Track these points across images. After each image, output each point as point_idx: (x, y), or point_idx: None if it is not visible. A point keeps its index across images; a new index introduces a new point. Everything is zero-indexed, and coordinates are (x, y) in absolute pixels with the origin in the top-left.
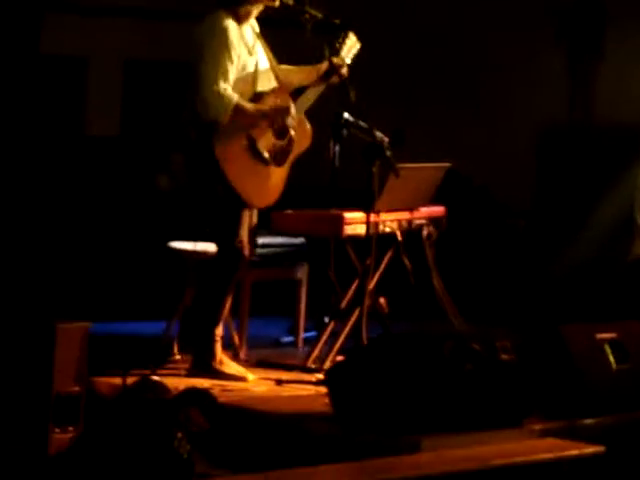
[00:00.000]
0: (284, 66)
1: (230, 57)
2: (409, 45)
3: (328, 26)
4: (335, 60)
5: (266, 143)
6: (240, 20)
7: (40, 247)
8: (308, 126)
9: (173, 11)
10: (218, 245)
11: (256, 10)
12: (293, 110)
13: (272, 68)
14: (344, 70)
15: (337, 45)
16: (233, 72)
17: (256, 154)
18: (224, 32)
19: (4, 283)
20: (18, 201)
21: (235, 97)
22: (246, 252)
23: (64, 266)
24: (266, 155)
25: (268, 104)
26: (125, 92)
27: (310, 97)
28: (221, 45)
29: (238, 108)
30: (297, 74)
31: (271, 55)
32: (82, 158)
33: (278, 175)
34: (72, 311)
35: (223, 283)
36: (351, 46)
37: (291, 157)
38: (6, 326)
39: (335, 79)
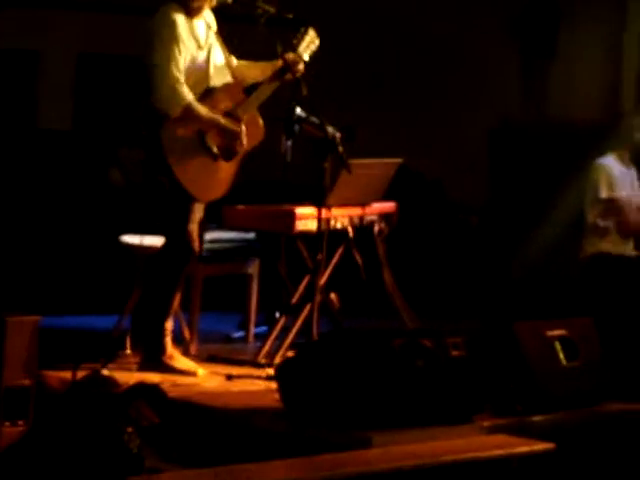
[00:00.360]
0: (240, 62)
1: (179, 49)
2: (362, 41)
3: (282, 21)
4: (290, 57)
5: (215, 138)
6: (191, 14)
7: None
8: (260, 122)
9: (127, 5)
10: (166, 238)
11: (208, 4)
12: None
13: (227, 64)
14: (300, 67)
15: (294, 41)
16: (182, 64)
17: (204, 148)
18: (173, 24)
19: None
20: None
21: (189, 97)
22: (195, 246)
23: (14, 259)
24: (214, 150)
25: (220, 101)
26: (78, 86)
27: (264, 93)
28: (171, 37)
29: (190, 108)
30: (252, 70)
31: (226, 51)
32: (34, 151)
33: (226, 170)
34: (22, 304)
35: (171, 277)
36: (309, 42)
37: (241, 152)
38: None
39: (289, 76)
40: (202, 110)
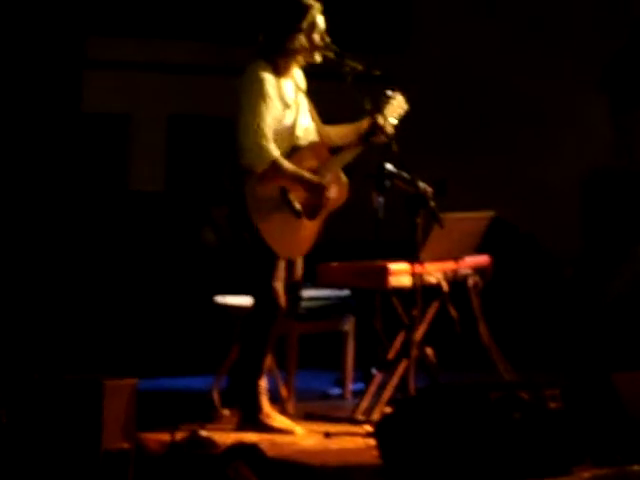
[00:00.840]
0: (327, 126)
1: (267, 106)
2: (452, 94)
3: (370, 78)
4: (379, 120)
5: (299, 195)
6: (279, 72)
7: (88, 304)
8: (345, 181)
9: (215, 66)
10: (254, 297)
11: (296, 64)
12: (328, 178)
13: (314, 124)
14: (388, 129)
15: (381, 105)
16: (269, 121)
17: (288, 205)
18: (261, 81)
19: (52, 342)
20: (67, 258)
21: (276, 153)
22: (281, 302)
23: (110, 322)
24: (298, 207)
25: (305, 159)
26: (169, 147)
27: (348, 156)
28: (258, 94)
29: (277, 164)
30: (339, 135)
31: (314, 111)
32: (126, 213)
33: (310, 228)
34: (119, 367)
35: (261, 335)
36: (397, 106)
37: (325, 211)
38: (55, 384)
39: (378, 138)
40: (288, 165)
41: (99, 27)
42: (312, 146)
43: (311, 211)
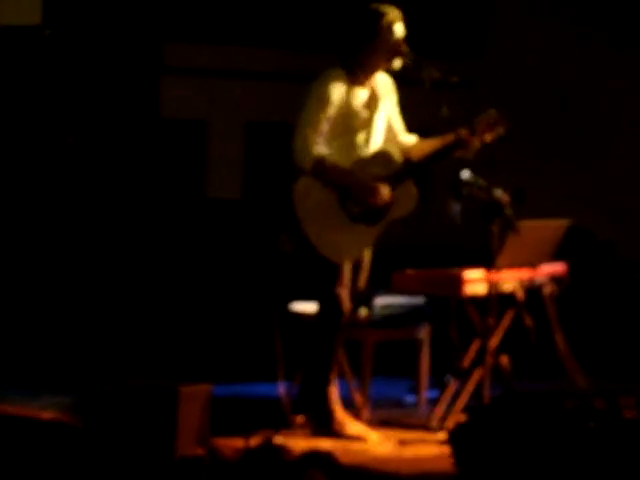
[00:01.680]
0: (413, 138)
1: (324, 112)
2: (529, 100)
3: (448, 85)
4: (463, 133)
5: (358, 200)
6: (356, 81)
7: (166, 310)
8: (413, 192)
9: (293, 73)
10: (318, 303)
11: (376, 72)
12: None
13: (394, 133)
14: (474, 145)
15: (475, 120)
16: (325, 126)
17: (343, 207)
18: (325, 87)
19: (129, 346)
20: (145, 264)
21: (321, 150)
22: (345, 309)
23: (187, 329)
24: (354, 210)
25: (371, 166)
26: (247, 154)
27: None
28: (319, 99)
29: (321, 161)
30: (419, 148)
31: (397, 121)
32: (203, 220)
33: (366, 233)
34: (194, 373)
35: (326, 342)
36: (491, 124)
37: (387, 219)
38: (130, 390)
39: (461, 153)
40: (335, 165)
41: (177, 33)
42: (380, 154)
43: (371, 217)
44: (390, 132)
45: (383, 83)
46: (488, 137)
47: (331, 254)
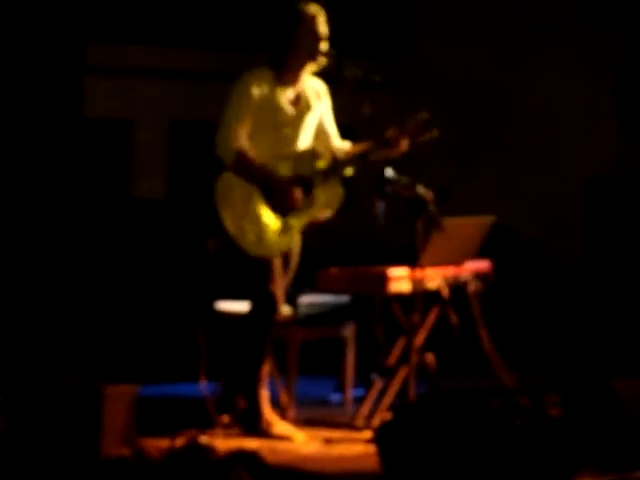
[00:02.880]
0: (342, 142)
1: (248, 109)
2: (455, 100)
3: (371, 84)
4: (390, 133)
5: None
6: (283, 80)
7: (85, 310)
8: (339, 190)
9: (217, 72)
10: (250, 301)
11: (303, 71)
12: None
13: (324, 135)
14: (402, 146)
15: (406, 122)
16: (246, 123)
17: (268, 203)
18: (245, 84)
19: (51, 347)
20: (68, 264)
21: (240, 144)
22: (279, 306)
23: (110, 328)
24: (276, 206)
25: (295, 165)
26: (171, 154)
27: (352, 165)
28: (239, 95)
29: (242, 155)
30: (346, 151)
31: (328, 123)
32: (128, 220)
33: (290, 229)
34: (119, 373)
35: (258, 339)
36: (422, 127)
37: (309, 217)
38: (54, 390)
39: (387, 153)
40: (253, 161)
41: (99, 33)
42: (304, 152)
43: (288, 213)
44: (322, 135)
45: (315, 87)
46: (418, 139)
47: (253, 249)
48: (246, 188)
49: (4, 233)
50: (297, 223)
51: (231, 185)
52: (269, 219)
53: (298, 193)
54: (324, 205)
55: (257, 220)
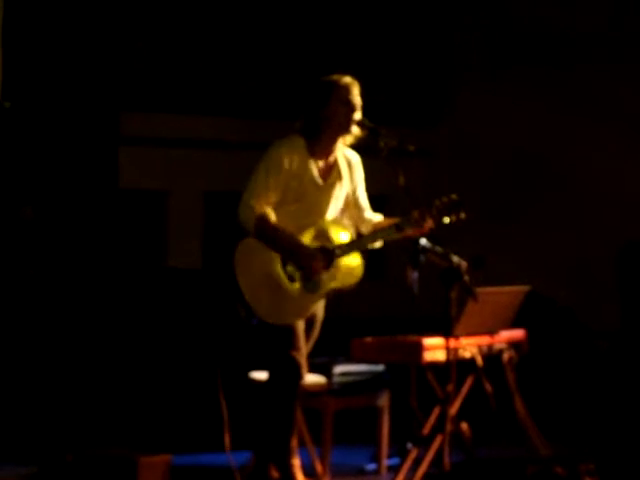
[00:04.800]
0: (374, 216)
1: (275, 178)
2: (487, 168)
3: (405, 153)
4: (415, 215)
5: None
6: (315, 151)
7: (120, 379)
8: (359, 263)
9: (250, 142)
10: (271, 369)
11: (336, 142)
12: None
13: (357, 210)
14: (427, 225)
15: (437, 202)
16: (275, 194)
17: (284, 270)
18: (277, 153)
19: (87, 416)
20: (104, 336)
21: (263, 209)
22: (303, 373)
23: (146, 399)
24: (295, 274)
25: (319, 235)
26: (206, 224)
27: (375, 239)
28: (268, 164)
29: (263, 220)
30: (375, 224)
31: (359, 196)
32: (164, 289)
33: (308, 298)
34: (154, 443)
35: (284, 407)
36: (454, 209)
37: (328, 287)
38: (89, 460)
39: (411, 232)
40: (275, 226)
41: (133, 103)
42: (329, 222)
43: (307, 281)
44: (354, 207)
45: (348, 158)
46: (445, 220)
47: (268, 316)
48: (265, 255)
49: (41, 300)
50: (319, 292)
51: (249, 251)
52: (287, 286)
53: (320, 263)
54: (341, 278)
55: (274, 287)
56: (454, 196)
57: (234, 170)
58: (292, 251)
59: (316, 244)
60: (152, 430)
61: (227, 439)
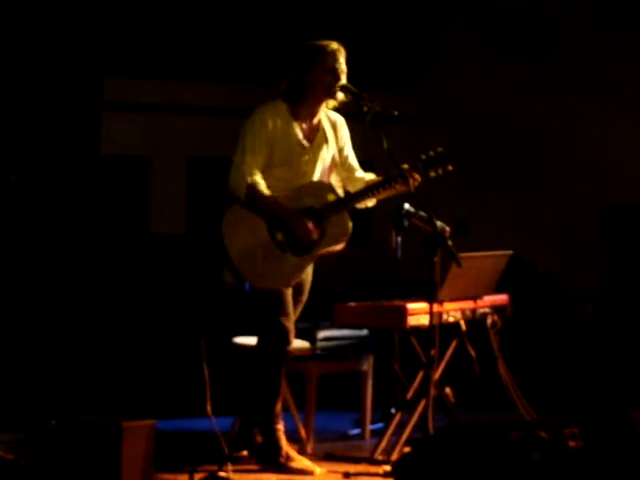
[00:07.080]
0: (363, 174)
1: (262, 143)
2: (471, 132)
3: (389, 118)
4: (405, 167)
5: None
6: (299, 114)
7: (107, 345)
8: (348, 225)
9: (234, 107)
10: (260, 334)
11: (320, 106)
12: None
13: (345, 169)
14: (416, 180)
15: (423, 156)
16: (262, 158)
17: (271, 235)
18: (260, 118)
19: (70, 381)
20: (87, 300)
21: (254, 177)
22: (291, 339)
23: (128, 364)
24: (279, 238)
25: (303, 197)
26: (189, 189)
27: (365, 198)
28: (254, 129)
29: (253, 189)
30: (365, 182)
31: (347, 155)
32: (148, 255)
33: (296, 263)
34: (138, 408)
35: (271, 372)
36: (441, 164)
37: (317, 250)
38: (72, 426)
39: (401, 187)
40: (264, 194)
41: (117, 68)
42: (312, 185)
43: (297, 247)
44: (343, 168)
45: (332, 119)
46: (433, 173)
47: (256, 282)
48: (253, 221)
49: (23, 267)
50: (308, 255)
51: (237, 218)
52: (276, 252)
53: (309, 225)
54: (334, 238)
55: (264, 253)
56: (440, 149)
57: (217, 135)
58: (280, 216)
59: (304, 205)
60: (136, 395)
61: (209, 405)
